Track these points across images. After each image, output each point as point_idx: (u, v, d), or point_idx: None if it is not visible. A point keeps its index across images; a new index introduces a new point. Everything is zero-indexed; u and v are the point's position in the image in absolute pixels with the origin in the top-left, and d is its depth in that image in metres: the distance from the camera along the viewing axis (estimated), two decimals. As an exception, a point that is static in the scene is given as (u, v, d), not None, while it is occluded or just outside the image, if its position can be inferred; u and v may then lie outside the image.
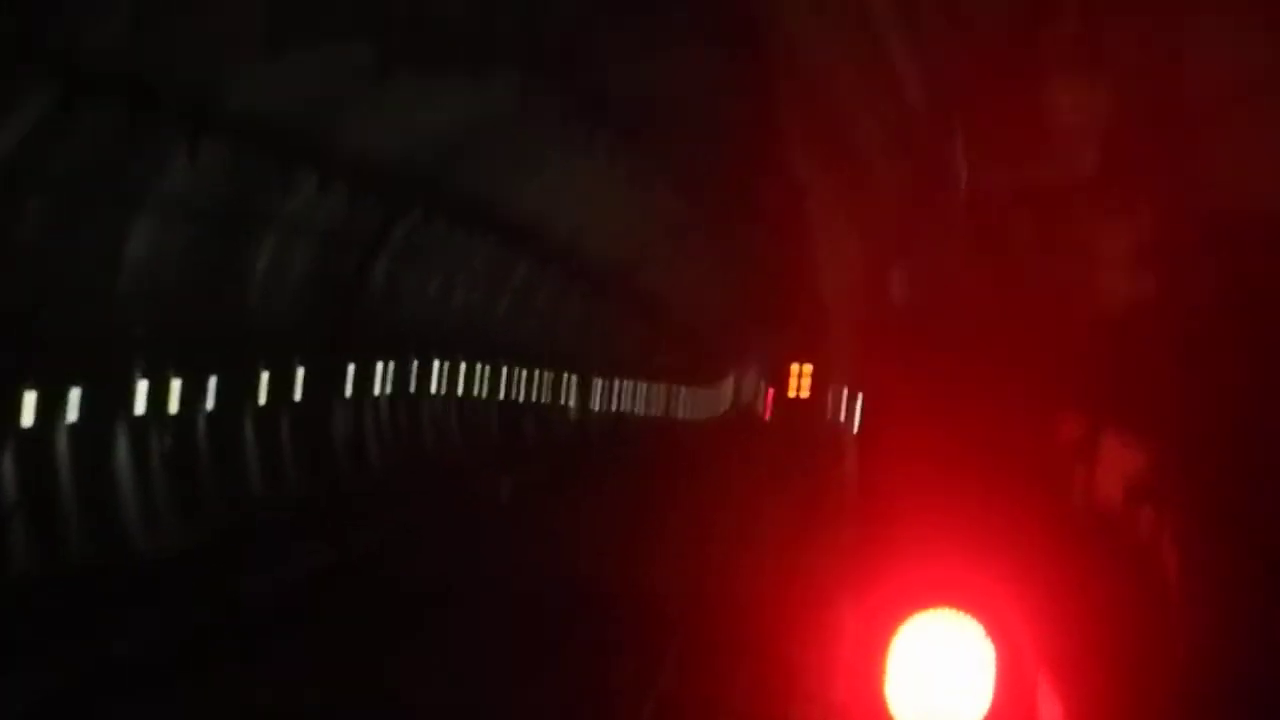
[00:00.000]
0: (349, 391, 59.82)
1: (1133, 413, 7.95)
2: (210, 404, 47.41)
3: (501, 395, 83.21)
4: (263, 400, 51.24)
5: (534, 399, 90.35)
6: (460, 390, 75.16)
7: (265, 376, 51.49)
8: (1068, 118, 9.51)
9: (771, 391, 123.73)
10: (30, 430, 37.48)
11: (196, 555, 41.13)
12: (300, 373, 54.30)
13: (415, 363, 67.89)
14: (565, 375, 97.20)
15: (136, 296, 41.69)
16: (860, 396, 28.86)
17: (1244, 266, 7.04)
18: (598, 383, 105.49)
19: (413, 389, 68.13)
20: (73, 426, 39.63)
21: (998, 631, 7.80)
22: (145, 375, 43.38)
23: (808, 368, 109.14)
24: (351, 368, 59.88)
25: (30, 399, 37.35)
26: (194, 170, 40.92)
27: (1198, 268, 7.41)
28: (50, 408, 38.52)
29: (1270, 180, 6.86)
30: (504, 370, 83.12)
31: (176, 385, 45.22)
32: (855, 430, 30.66)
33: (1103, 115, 9.16)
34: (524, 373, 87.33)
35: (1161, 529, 7.33)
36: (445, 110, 51.18)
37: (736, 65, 38.21)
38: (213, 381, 47.42)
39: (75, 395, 39.49)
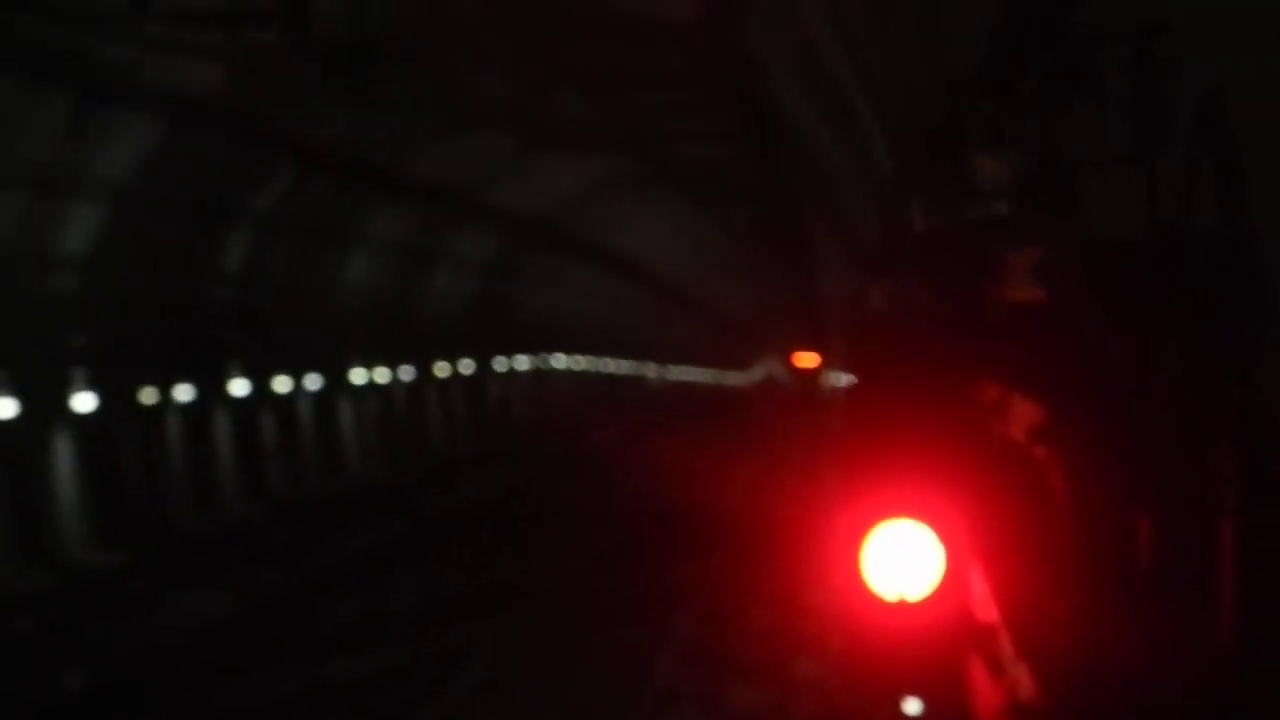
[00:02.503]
0: (499, 371, 60.32)
1: (1030, 382, 8.08)
2: (403, 381, 47.83)
3: (605, 372, 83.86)
4: (440, 379, 51.70)
5: (626, 375, 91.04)
6: (574, 370, 75.62)
7: (442, 365, 51.91)
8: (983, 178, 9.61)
9: (790, 367, 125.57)
10: (282, 399, 37.92)
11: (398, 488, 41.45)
12: (464, 362, 54.71)
13: (544, 353, 68.29)
14: (647, 361, 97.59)
15: (353, 309, 42.00)
16: (848, 375, 28.82)
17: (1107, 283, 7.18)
18: (669, 367, 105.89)
19: (541, 371, 68.58)
20: (311, 396, 40.01)
21: (941, 533, 7.86)
22: (360, 364, 43.76)
23: (814, 355, 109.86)
24: (501, 359, 60.35)
25: (282, 381, 37.73)
26: (395, 220, 41.20)
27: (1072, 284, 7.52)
28: (296, 386, 38.90)
29: None
30: (606, 358, 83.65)
31: (383, 371, 45.66)
32: (845, 395, 30.63)
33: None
34: (620, 359, 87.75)
35: (1051, 460, 7.45)
36: (563, 180, 51.14)
37: (763, 156, 37.67)
38: (405, 369, 47.85)
39: (312, 378, 39.87)
